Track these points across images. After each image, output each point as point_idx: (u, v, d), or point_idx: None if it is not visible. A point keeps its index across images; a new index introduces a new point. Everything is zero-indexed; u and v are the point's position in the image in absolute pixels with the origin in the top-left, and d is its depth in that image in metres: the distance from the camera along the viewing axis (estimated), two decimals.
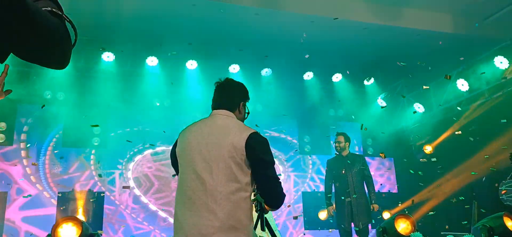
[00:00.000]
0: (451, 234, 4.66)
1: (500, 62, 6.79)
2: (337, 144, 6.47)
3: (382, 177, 9.79)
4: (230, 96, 2.64)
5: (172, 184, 8.34)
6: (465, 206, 6.83)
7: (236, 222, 2.21)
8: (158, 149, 8.44)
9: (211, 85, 8.80)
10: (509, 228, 4.59)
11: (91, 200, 7.37)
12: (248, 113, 2.74)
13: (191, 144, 2.45)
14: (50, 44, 1.01)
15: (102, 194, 7.60)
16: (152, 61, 7.93)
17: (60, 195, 7.31)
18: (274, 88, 8.72)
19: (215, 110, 2.61)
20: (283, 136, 9.32)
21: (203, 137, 2.43)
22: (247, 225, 2.26)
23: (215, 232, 2.18)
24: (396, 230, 4.56)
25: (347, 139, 6.53)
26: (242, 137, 2.35)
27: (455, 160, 7.76)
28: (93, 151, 7.94)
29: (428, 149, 8.69)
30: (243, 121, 2.66)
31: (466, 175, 7.32)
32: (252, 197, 2.42)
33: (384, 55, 8.48)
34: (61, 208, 7.13)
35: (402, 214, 4.94)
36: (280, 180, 2.42)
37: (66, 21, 1.09)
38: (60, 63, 1.10)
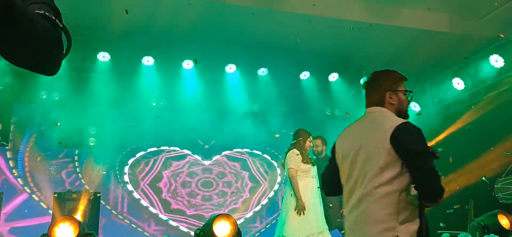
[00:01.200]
0: (447, 232, 4.68)
1: (496, 60, 6.81)
2: (315, 148, 6.34)
3: None
4: (373, 91, 2.56)
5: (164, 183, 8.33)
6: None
7: (377, 216, 2.23)
8: (153, 149, 8.45)
9: (207, 85, 8.78)
10: (503, 226, 4.61)
11: (87, 201, 7.34)
12: (408, 97, 2.62)
13: (347, 146, 2.50)
14: (38, 48, 0.98)
15: (98, 195, 7.59)
16: (148, 60, 7.90)
17: (56, 195, 7.29)
18: (271, 88, 8.71)
19: (367, 108, 2.57)
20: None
21: (356, 137, 2.46)
22: (387, 219, 2.21)
23: (354, 226, 2.32)
24: None
25: (324, 143, 6.51)
26: (388, 129, 2.28)
27: (453, 161, 7.74)
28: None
29: None
30: (402, 109, 2.56)
31: (464, 178, 7.30)
32: (412, 193, 2.31)
33: (380, 54, 8.48)
34: (57, 209, 7.10)
35: None
36: (435, 172, 2.26)
37: (59, 28, 1.06)
38: (48, 69, 1.07)
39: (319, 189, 5.46)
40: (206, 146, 8.77)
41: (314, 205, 5.32)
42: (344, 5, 7.18)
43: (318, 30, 7.50)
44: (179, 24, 7.34)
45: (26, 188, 7.45)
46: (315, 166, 5.61)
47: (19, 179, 7.46)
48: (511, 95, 6.89)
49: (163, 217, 8.15)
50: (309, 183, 5.42)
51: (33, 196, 7.45)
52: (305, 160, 5.51)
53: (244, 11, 6.98)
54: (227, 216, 3.95)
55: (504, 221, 4.67)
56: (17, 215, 7.29)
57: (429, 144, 8.39)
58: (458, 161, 7.59)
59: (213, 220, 3.84)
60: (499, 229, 4.55)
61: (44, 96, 7.71)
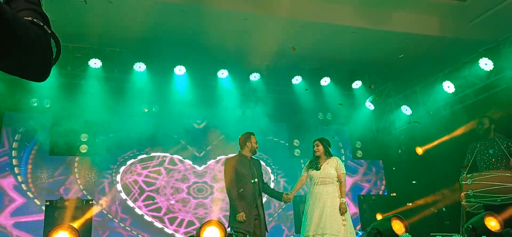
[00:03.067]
0: (440, 234, 4.71)
1: (485, 63, 6.88)
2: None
3: (370, 180, 9.85)
4: None
5: (162, 190, 8.30)
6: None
7: None
8: (146, 155, 8.42)
9: (199, 90, 8.75)
10: (491, 228, 4.67)
11: (79, 208, 7.28)
12: None
13: None
14: (28, 55, 0.99)
15: (91, 202, 7.53)
16: (139, 67, 7.89)
17: (48, 203, 7.23)
18: (263, 93, 8.74)
19: None
20: (274, 139, 9.34)
21: None
22: None
23: None
24: (392, 231, 4.58)
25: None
26: None
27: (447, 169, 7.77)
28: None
29: (419, 150, 8.79)
30: None
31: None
32: None
33: (372, 58, 8.55)
34: (49, 216, 7.04)
35: (397, 216, 4.99)
36: None
37: (48, 34, 1.07)
38: (39, 76, 1.07)
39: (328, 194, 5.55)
40: (199, 152, 8.76)
41: (314, 209, 5.48)
42: (336, 10, 7.22)
43: (310, 35, 7.55)
44: (171, 30, 7.34)
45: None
46: (320, 171, 5.68)
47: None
48: (501, 98, 6.95)
49: (156, 223, 8.11)
50: (312, 189, 5.70)
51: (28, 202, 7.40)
52: (309, 167, 5.87)
53: (237, 17, 7.00)
54: (216, 221, 3.91)
55: (492, 223, 4.73)
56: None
57: (423, 148, 8.39)
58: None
59: (201, 227, 3.80)
60: (485, 230, 4.60)
61: (35, 104, 7.66)
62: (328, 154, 5.80)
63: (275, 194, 6.06)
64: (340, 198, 5.53)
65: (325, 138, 6.03)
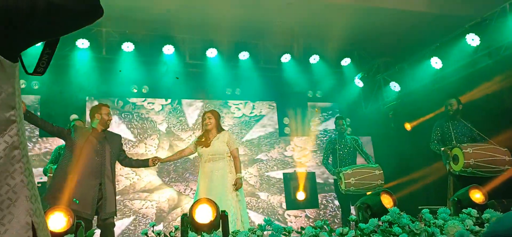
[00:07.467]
0: (427, 208, 4.81)
1: (472, 39, 6.93)
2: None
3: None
4: None
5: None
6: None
7: None
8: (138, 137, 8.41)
9: (188, 70, 8.63)
10: (476, 200, 4.77)
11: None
12: None
13: None
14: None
15: None
16: (128, 46, 7.81)
17: (40, 185, 7.24)
18: (253, 72, 8.74)
19: None
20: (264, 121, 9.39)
21: None
22: None
23: None
24: (381, 205, 4.68)
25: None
26: None
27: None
28: None
29: (407, 126, 8.88)
30: None
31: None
32: None
33: (360, 35, 8.56)
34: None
35: (385, 191, 5.07)
36: None
37: None
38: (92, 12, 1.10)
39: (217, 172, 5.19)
40: (185, 131, 8.78)
41: (202, 188, 5.17)
42: None
43: (298, 12, 7.53)
44: (159, 10, 7.28)
45: None
46: (210, 148, 5.27)
47: None
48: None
49: (139, 203, 8.17)
50: (202, 168, 5.33)
51: None
52: (197, 144, 5.46)
53: None
54: (206, 199, 3.85)
55: (477, 195, 4.82)
56: None
57: (412, 123, 8.42)
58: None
59: (193, 206, 3.74)
60: (471, 203, 4.70)
61: (23, 85, 7.60)
62: (220, 129, 5.44)
63: (140, 163, 5.49)
64: (235, 173, 5.22)
65: (216, 110, 5.65)
